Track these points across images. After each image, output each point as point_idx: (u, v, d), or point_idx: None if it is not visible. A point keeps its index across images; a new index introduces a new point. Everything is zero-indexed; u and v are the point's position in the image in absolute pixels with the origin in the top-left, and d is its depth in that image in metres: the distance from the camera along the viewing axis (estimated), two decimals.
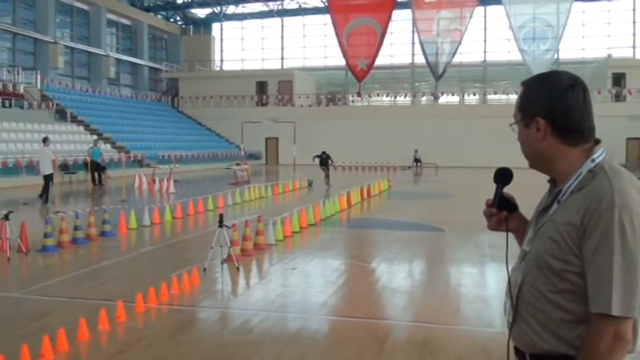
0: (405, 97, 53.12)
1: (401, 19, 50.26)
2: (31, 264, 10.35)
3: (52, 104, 36.95)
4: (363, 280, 9.50)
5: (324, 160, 26.83)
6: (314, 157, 27.22)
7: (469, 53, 52.55)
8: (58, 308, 7.48)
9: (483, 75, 54.94)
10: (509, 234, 2.38)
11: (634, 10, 51.71)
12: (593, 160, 2.11)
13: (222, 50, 61.97)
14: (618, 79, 47.24)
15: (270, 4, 57.71)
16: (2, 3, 40.71)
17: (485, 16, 53.48)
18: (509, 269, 2.32)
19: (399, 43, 54.78)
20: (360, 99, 50.63)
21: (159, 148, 38.82)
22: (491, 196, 2.38)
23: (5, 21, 40.61)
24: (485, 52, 54.68)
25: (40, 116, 34.65)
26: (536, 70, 35.14)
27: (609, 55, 49.51)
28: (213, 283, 8.95)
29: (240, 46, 61.37)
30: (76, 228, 12.04)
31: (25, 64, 41.02)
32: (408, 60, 55.15)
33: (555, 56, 46.89)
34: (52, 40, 42.57)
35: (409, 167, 43.49)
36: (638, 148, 43.60)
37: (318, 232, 14.02)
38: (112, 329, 6.54)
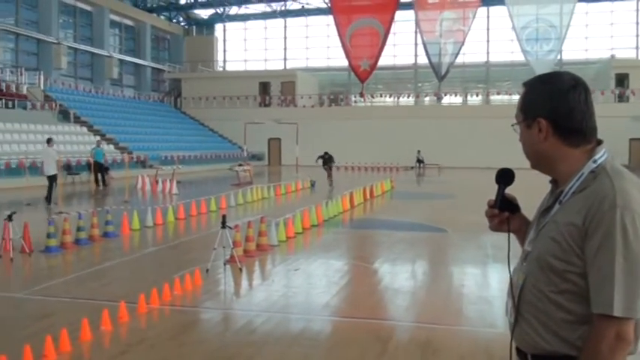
0: (408, 97, 53.11)
1: (404, 20, 50.26)
2: (34, 264, 10.37)
3: (55, 105, 37.02)
4: (365, 280, 9.50)
5: (327, 160, 26.82)
6: (317, 159, 27.21)
7: (472, 54, 52.49)
8: (61, 309, 7.49)
9: (486, 75, 54.91)
10: (511, 234, 2.38)
11: (637, 10, 51.66)
12: (595, 161, 2.11)
13: (224, 51, 62.03)
14: (621, 80, 47.18)
15: (273, 4, 57.74)
16: (5, 4, 40.78)
17: (488, 17, 53.46)
18: (511, 270, 2.32)
19: (402, 44, 54.80)
20: (362, 99, 50.56)
21: (162, 149, 38.85)
22: (494, 197, 2.38)
23: (8, 22, 40.67)
24: (488, 52, 54.67)
25: (43, 117, 34.71)
26: (539, 70, 35.04)
27: (612, 56, 49.45)
28: (216, 284, 8.96)
29: (243, 47, 61.44)
30: (78, 229, 12.06)
31: (28, 65, 41.09)
32: (410, 61, 55.16)
33: (558, 57, 46.77)
34: (54, 41, 42.65)
35: (412, 168, 43.46)
36: None
37: (320, 233, 14.02)
38: (115, 330, 6.54)
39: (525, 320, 2.19)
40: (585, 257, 2.02)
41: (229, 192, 19.82)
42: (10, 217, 10.72)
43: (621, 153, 39.91)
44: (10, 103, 33.80)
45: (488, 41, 54.42)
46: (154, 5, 58.27)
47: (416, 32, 49.09)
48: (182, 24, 61.83)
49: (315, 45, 58.29)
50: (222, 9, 59.75)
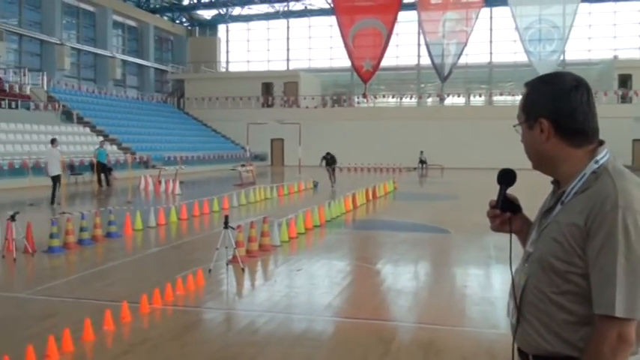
0: (411, 98, 53.10)
1: (406, 21, 50.23)
2: (37, 265, 10.39)
3: (59, 105, 37.08)
4: (368, 281, 9.49)
5: (330, 161, 26.71)
6: (321, 161, 26.99)
7: (475, 54, 52.47)
8: (64, 309, 7.50)
9: (489, 76, 54.87)
10: (513, 235, 2.38)
11: None
12: (596, 162, 2.11)
13: (227, 51, 62.07)
14: (624, 81, 47.10)
15: (276, 5, 57.78)
16: (8, 5, 40.86)
17: (491, 18, 53.43)
18: (513, 271, 2.32)
19: (405, 45, 54.77)
20: (365, 100, 50.60)
21: (164, 150, 38.89)
22: (495, 198, 2.38)
23: (12, 22, 40.73)
24: (491, 53, 54.62)
25: (46, 117, 34.77)
26: (542, 71, 34.96)
27: (615, 57, 49.34)
28: (219, 284, 8.96)
29: (246, 48, 61.47)
30: (81, 229, 12.08)
31: (31, 66, 41.15)
32: (413, 61, 55.14)
33: (561, 57, 46.76)
34: (58, 42, 42.72)
35: (415, 169, 43.43)
36: None
37: (323, 234, 14.02)
38: (118, 330, 6.55)
39: (527, 321, 2.19)
40: (587, 258, 2.02)
41: (232, 192, 19.83)
42: (13, 218, 10.75)
43: (624, 154, 39.83)
44: (13, 104, 33.85)
45: (491, 42, 54.38)
46: (157, 6, 58.34)
47: (419, 33, 49.14)
48: (185, 25, 61.89)
49: (318, 46, 58.30)
50: (225, 10, 59.80)
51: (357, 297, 8.52)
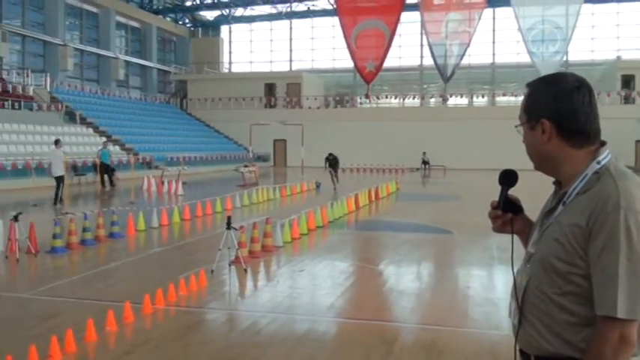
0: (414, 99, 53.04)
1: (409, 21, 50.19)
2: (39, 265, 10.40)
3: (62, 106, 37.13)
4: (370, 282, 9.49)
5: (333, 162, 26.50)
6: (325, 164, 26.72)
7: (478, 55, 52.42)
8: (67, 309, 7.51)
9: (492, 77, 54.81)
10: (515, 236, 2.37)
11: None
12: (598, 162, 2.11)
13: (230, 52, 62.10)
14: (628, 81, 47.00)
15: (279, 6, 57.76)
16: (12, 6, 40.94)
17: (494, 18, 53.35)
18: (515, 271, 2.32)
19: (408, 45, 54.75)
20: (368, 101, 50.58)
21: (167, 150, 38.92)
22: (497, 198, 2.38)
23: (15, 23, 40.79)
24: (493, 54, 54.54)
25: (49, 118, 34.82)
26: (545, 71, 34.89)
27: (618, 57, 49.27)
28: (221, 284, 8.97)
29: (249, 49, 61.50)
30: (84, 229, 12.10)
31: (34, 67, 41.23)
32: (416, 62, 55.11)
33: (564, 58, 46.72)
34: (61, 43, 42.77)
35: (417, 169, 43.41)
36: None
37: (325, 234, 14.02)
38: (120, 330, 6.56)
39: (529, 322, 2.18)
40: (589, 259, 2.02)
41: (235, 193, 19.84)
42: (16, 218, 10.77)
43: (627, 155, 39.75)
44: (16, 105, 33.91)
45: (494, 42, 54.31)
46: (160, 7, 58.40)
47: (421, 33, 49.11)
48: (188, 26, 61.94)
49: (321, 46, 58.30)
50: (227, 11, 59.82)
51: (359, 298, 8.52)
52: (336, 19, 47.53)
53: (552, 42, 43.91)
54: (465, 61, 46.50)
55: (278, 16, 58.85)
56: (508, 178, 2.36)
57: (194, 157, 39.83)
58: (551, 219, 2.17)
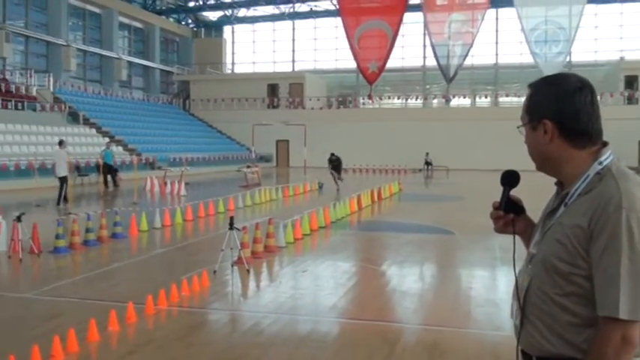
0: (417, 99, 53.01)
1: (412, 22, 50.17)
2: (42, 265, 10.42)
3: (65, 107, 37.19)
4: (373, 282, 9.49)
5: (336, 164, 26.31)
6: (329, 166, 26.55)
7: (481, 56, 52.34)
8: (69, 309, 7.52)
9: (495, 77, 54.75)
10: (517, 237, 2.37)
11: None
12: (600, 163, 2.11)
13: (233, 53, 62.12)
14: (631, 82, 46.93)
15: (282, 6, 57.78)
16: (15, 6, 41.00)
17: (497, 19, 53.31)
18: (517, 272, 2.32)
19: (411, 46, 54.72)
20: (371, 101, 50.48)
21: (170, 151, 38.97)
22: (499, 199, 2.37)
23: (18, 24, 40.87)
24: (496, 54, 54.49)
25: (52, 119, 34.87)
26: (548, 72, 34.63)
27: (622, 58, 49.16)
28: (224, 285, 8.97)
29: (252, 49, 61.52)
30: (87, 230, 12.12)
31: (37, 67, 41.30)
32: (419, 62, 55.08)
33: (567, 59, 46.63)
34: (64, 43, 42.83)
35: (420, 170, 43.38)
36: None
37: (328, 235, 14.02)
38: (122, 330, 6.57)
39: (531, 323, 2.18)
40: (591, 259, 2.01)
41: (237, 193, 19.85)
42: (19, 218, 10.78)
43: (630, 155, 39.67)
44: (19, 105, 33.97)
45: (497, 43, 54.26)
46: (163, 8, 58.46)
47: (424, 34, 49.03)
48: (191, 26, 61.98)
49: (324, 47, 58.29)
50: (230, 11, 59.87)
51: (362, 298, 8.52)
52: (338, 20, 47.52)
53: (555, 42, 43.82)
54: (467, 62, 46.44)
55: (281, 17, 58.87)
56: (510, 178, 2.36)
57: (197, 158, 39.87)
58: (553, 220, 2.17)
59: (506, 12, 50.24)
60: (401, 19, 42.37)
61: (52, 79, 39.46)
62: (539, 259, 2.17)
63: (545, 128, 2.16)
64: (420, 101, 52.90)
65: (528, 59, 46.43)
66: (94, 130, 36.86)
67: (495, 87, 53.80)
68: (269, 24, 60.18)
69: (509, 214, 2.36)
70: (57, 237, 11.29)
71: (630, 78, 46.89)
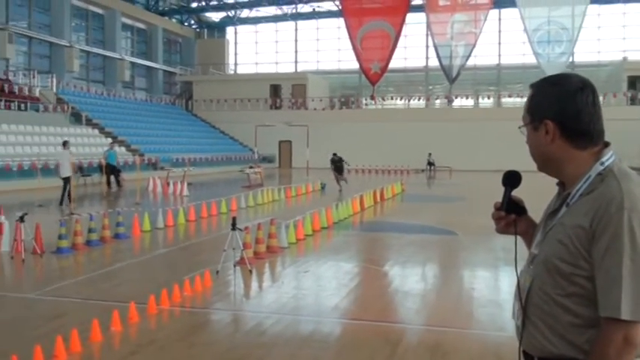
0: (419, 100, 52.99)
1: (415, 22, 50.13)
2: (45, 265, 10.44)
3: (68, 107, 37.24)
4: (375, 283, 9.48)
5: (338, 165, 26.25)
6: (331, 167, 26.51)
7: (483, 56, 52.30)
8: (72, 309, 7.53)
9: (498, 78, 54.72)
10: (518, 237, 2.37)
11: None
12: (602, 163, 2.10)
13: (236, 54, 62.14)
14: (634, 82, 46.84)
15: (284, 7, 57.81)
16: (18, 7, 41.07)
17: (499, 19, 53.29)
18: (519, 272, 2.32)
19: (413, 47, 54.70)
20: (373, 102, 50.50)
21: (173, 151, 38.99)
22: (501, 199, 2.37)
23: (21, 25, 40.93)
24: (499, 55, 54.46)
25: (55, 119, 34.92)
26: (551, 73, 34.44)
27: (625, 58, 49.08)
28: (226, 285, 8.98)
29: (254, 50, 61.53)
30: (90, 230, 12.13)
31: (40, 68, 41.36)
32: (422, 63, 55.07)
33: (570, 59, 46.57)
34: (67, 44, 42.90)
35: (423, 170, 43.36)
36: None
37: (330, 235, 14.02)
38: (125, 331, 6.58)
39: (532, 323, 2.18)
40: (592, 260, 2.01)
41: (240, 194, 19.86)
42: (22, 219, 10.80)
43: (633, 156, 39.44)
44: (22, 106, 34.01)
45: (499, 43, 54.23)
46: (166, 8, 58.50)
47: (427, 35, 49.08)
48: (194, 27, 62.02)
49: (326, 48, 58.27)
50: (233, 12, 59.90)
51: (364, 299, 8.52)
52: (341, 21, 47.56)
53: (558, 43, 43.78)
54: (470, 62, 46.42)
55: (283, 18, 58.89)
56: (511, 179, 2.36)
57: (199, 158, 39.89)
58: (555, 220, 2.17)
59: (508, 12, 50.24)
60: (403, 20, 42.38)
61: (55, 79, 39.53)
62: (540, 259, 2.16)
63: (546, 128, 2.15)
64: (422, 102, 52.87)
65: (531, 60, 46.39)
66: (96, 131, 36.90)
67: (498, 87, 53.76)
68: (271, 25, 60.22)
69: (510, 214, 2.35)
70: (59, 237, 11.32)
71: (633, 78, 46.80)
